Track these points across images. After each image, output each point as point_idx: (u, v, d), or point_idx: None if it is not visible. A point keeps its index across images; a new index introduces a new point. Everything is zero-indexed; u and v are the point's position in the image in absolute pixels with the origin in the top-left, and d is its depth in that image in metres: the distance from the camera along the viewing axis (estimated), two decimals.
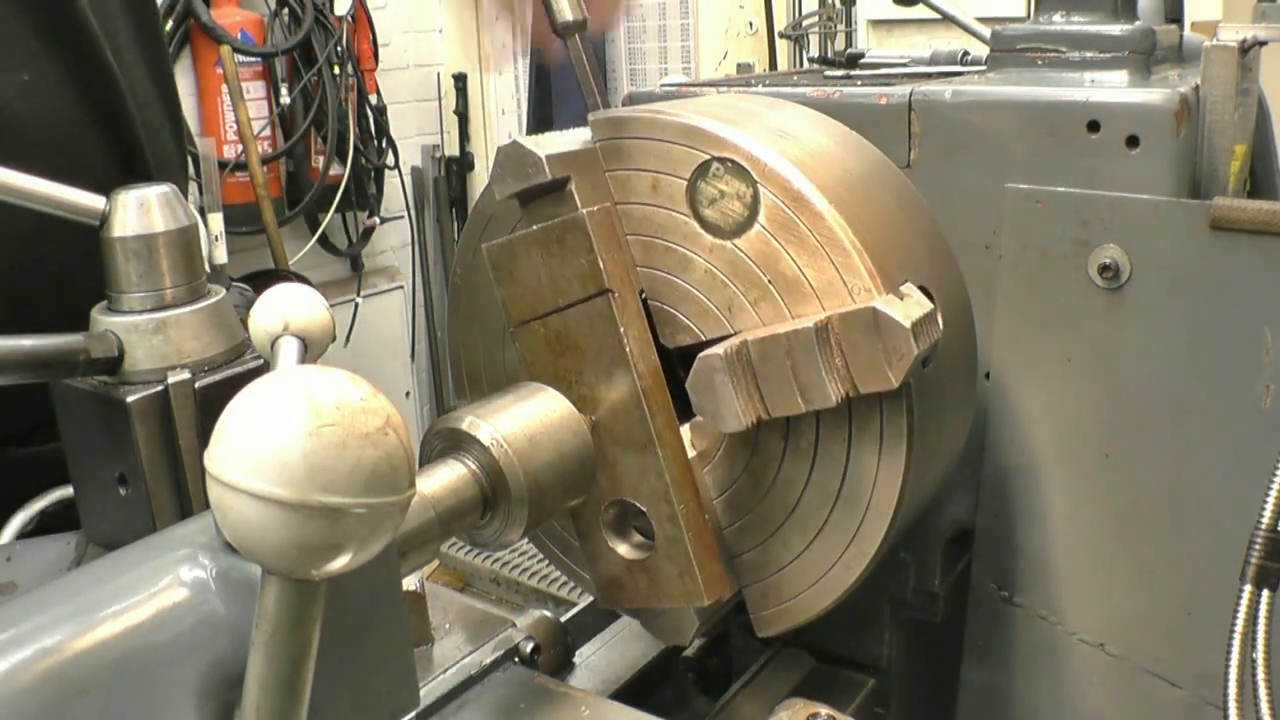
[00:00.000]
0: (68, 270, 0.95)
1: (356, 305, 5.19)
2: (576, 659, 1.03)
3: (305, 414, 0.41)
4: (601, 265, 0.80)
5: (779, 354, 0.75)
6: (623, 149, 0.84)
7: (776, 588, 0.84)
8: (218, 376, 0.71)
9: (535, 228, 0.82)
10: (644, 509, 0.81)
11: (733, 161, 0.79)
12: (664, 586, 0.81)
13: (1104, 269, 0.91)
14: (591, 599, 1.02)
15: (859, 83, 1.13)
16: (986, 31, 1.27)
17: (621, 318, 0.80)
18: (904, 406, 0.75)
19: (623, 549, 0.83)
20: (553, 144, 0.82)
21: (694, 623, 0.83)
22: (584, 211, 0.81)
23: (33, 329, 0.65)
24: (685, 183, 0.81)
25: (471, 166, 5.95)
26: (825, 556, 0.81)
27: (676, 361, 0.85)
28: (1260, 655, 0.78)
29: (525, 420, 0.79)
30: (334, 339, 0.67)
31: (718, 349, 0.76)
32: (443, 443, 0.78)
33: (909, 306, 0.73)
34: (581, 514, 0.84)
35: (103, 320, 0.70)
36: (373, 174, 5.32)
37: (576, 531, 0.85)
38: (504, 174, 0.82)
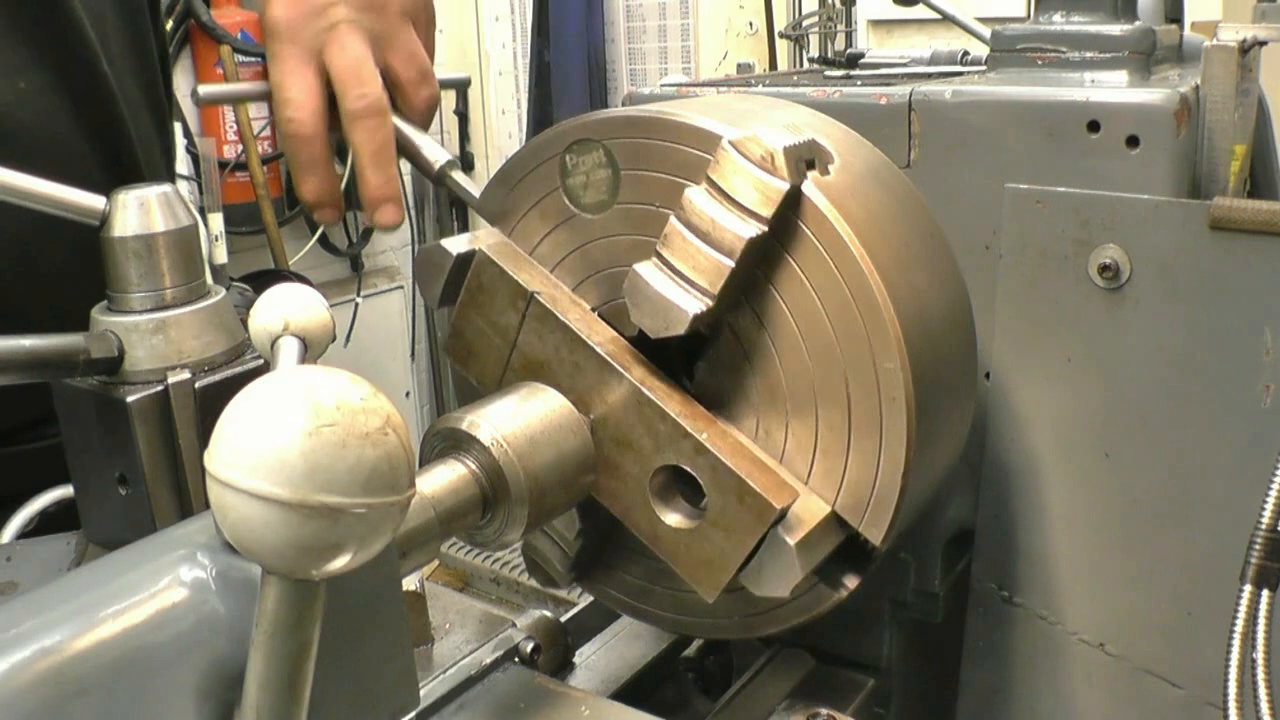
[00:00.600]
0: (57, 273, 0.96)
1: (356, 305, 5.19)
2: (576, 659, 1.03)
3: (305, 414, 0.41)
4: (516, 278, 0.84)
5: (681, 236, 0.76)
6: (507, 210, 0.89)
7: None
8: (218, 376, 0.71)
9: (461, 294, 0.87)
10: (674, 462, 0.78)
11: (575, 143, 0.83)
12: (736, 525, 0.77)
13: (1104, 269, 0.91)
14: (591, 599, 1.03)
15: (859, 83, 1.13)
16: (986, 31, 1.27)
17: (557, 308, 0.83)
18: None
19: (677, 519, 0.80)
20: (460, 241, 0.88)
21: (791, 556, 0.76)
22: (481, 248, 0.86)
23: (22, 331, 0.65)
24: (559, 190, 0.86)
25: (471, 166, 5.95)
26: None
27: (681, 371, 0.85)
28: (1260, 655, 0.78)
29: (525, 420, 0.79)
30: (334, 339, 0.67)
31: (634, 265, 0.78)
32: (443, 443, 0.78)
33: (761, 131, 0.76)
34: (641, 526, 0.82)
35: (103, 320, 0.70)
36: None
37: (657, 552, 0.82)
38: (424, 279, 0.88)
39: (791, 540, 0.76)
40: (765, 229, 0.75)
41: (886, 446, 0.77)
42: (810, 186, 0.76)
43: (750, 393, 0.81)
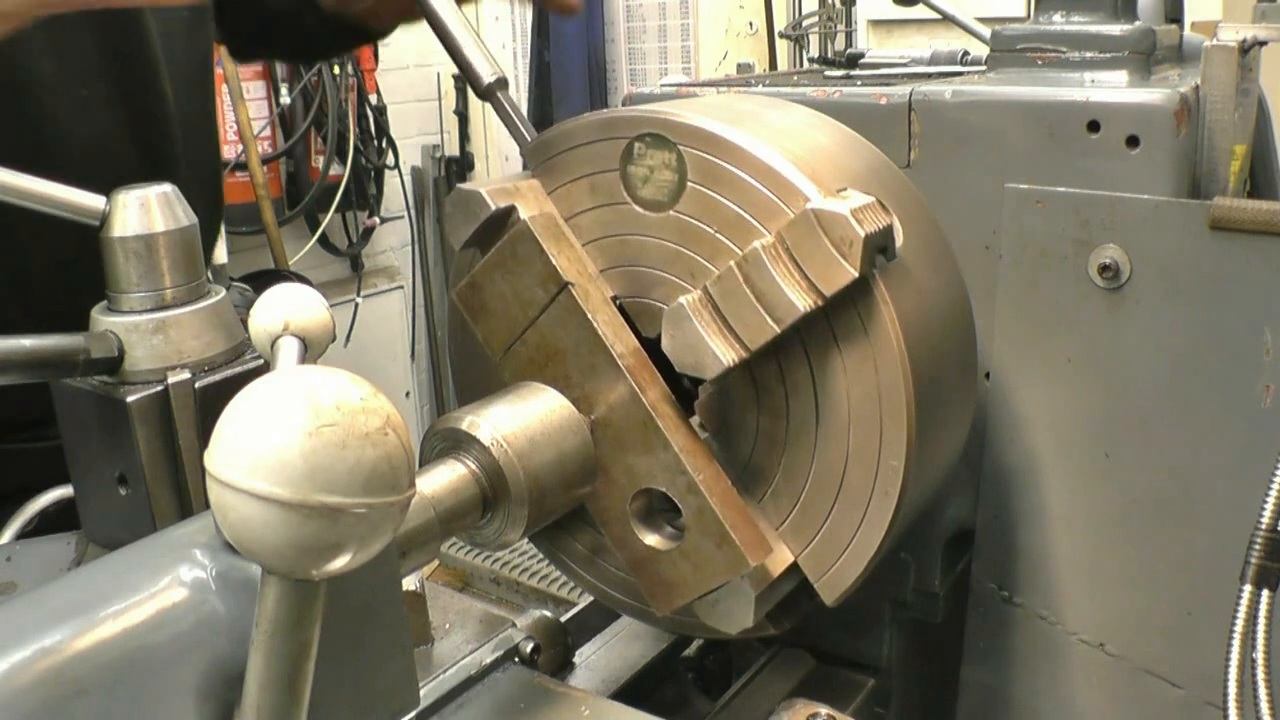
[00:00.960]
0: (33, 272, 0.95)
1: (356, 305, 5.19)
2: (576, 659, 1.03)
3: (305, 414, 0.41)
4: (555, 263, 0.82)
5: (737, 284, 0.75)
6: (555, 166, 0.86)
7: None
8: (218, 376, 0.71)
9: (490, 253, 0.84)
10: (663, 489, 0.79)
11: (650, 135, 0.81)
12: (707, 565, 0.78)
13: (1104, 269, 0.91)
14: (591, 599, 1.03)
15: (859, 83, 1.13)
16: (986, 31, 1.27)
17: (587, 305, 0.81)
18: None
19: (653, 540, 0.81)
20: (492, 182, 0.85)
21: (749, 601, 0.79)
22: (525, 218, 0.83)
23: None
24: (617, 173, 0.83)
25: (471, 166, 5.96)
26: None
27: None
28: (1260, 655, 0.78)
29: (525, 420, 0.79)
30: (334, 339, 0.67)
31: (681, 298, 0.77)
32: (443, 443, 0.78)
33: (848, 200, 0.74)
34: (614, 530, 0.83)
35: (103, 320, 0.70)
36: (373, 174, 5.32)
37: (622, 557, 0.84)
38: (454, 221, 0.85)
39: (754, 591, 0.79)
40: (820, 305, 0.74)
41: (866, 528, 0.79)
42: (878, 283, 0.75)
43: (750, 430, 0.82)
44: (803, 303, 0.73)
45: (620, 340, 0.82)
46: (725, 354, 0.76)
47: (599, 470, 0.82)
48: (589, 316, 0.81)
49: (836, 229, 0.72)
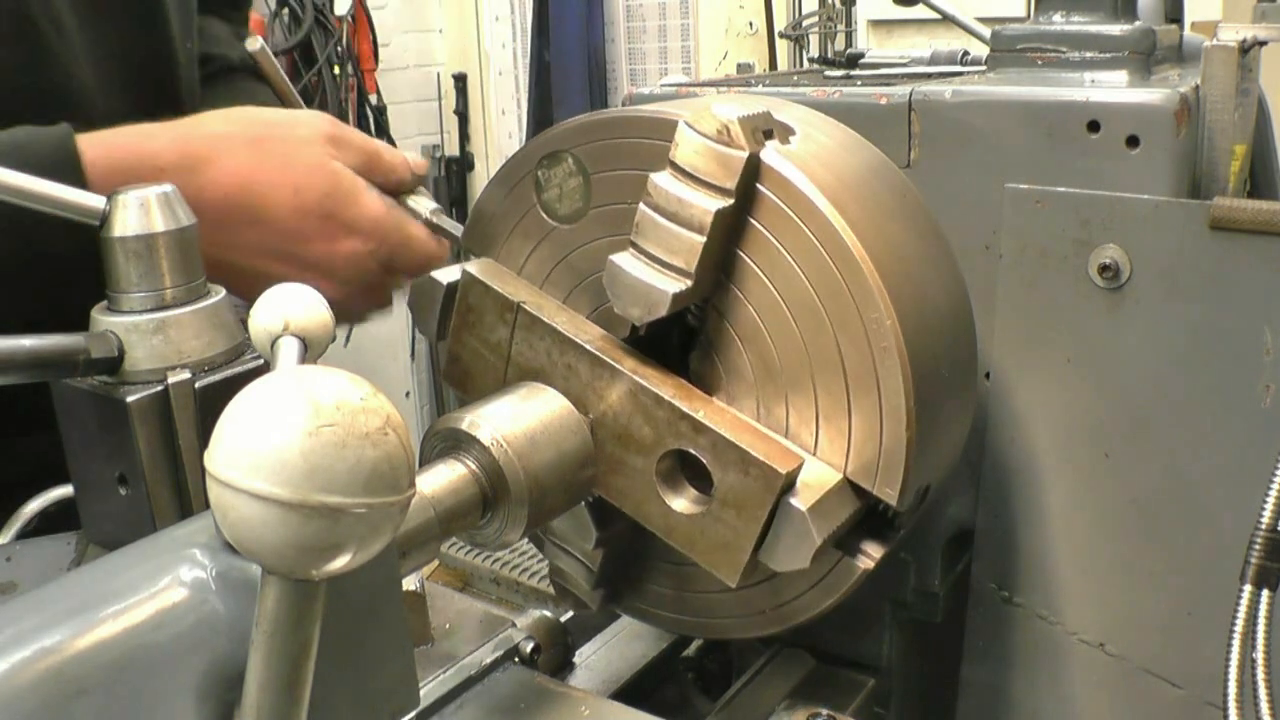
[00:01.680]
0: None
1: None
2: (576, 659, 1.03)
3: (305, 414, 0.41)
4: (503, 292, 0.85)
5: (651, 219, 0.77)
6: (487, 237, 0.91)
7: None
8: (218, 376, 0.71)
9: (453, 320, 0.88)
10: (674, 446, 0.78)
11: (543, 158, 0.85)
12: (745, 500, 0.76)
13: (1104, 269, 0.91)
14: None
15: (859, 83, 1.13)
16: (986, 31, 1.27)
17: (544, 314, 0.83)
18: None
19: (687, 504, 0.79)
20: (450, 271, 0.89)
21: (805, 522, 0.74)
22: (460, 267, 0.87)
23: None
24: (536, 209, 0.88)
25: (471, 166, 5.96)
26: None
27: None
28: (1260, 655, 0.78)
29: (525, 420, 0.79)
30: (334, 339, 0.67)
31: (609, 257, 0.78)
32: (443, 443, 0.78)
33: (718, 104, 0.76)
34: (655, 522, 0.81)
35: (103, 320, 0.70)
36: None
37: (674, 542, 0.81)
38: (420, 313, 0.90)
39: (803, 506, 0.74)
40: (731, 201, 0.75)
41: (886, 398, 0.75)
42: (770, 153, 0.76)
43: (746, 372, 0.81)
44: (714, 203, 0.75)
45: (584, 331, 0.83)
46: (668, 285, 0.76)
47: (615, 467, 0.81)
48: (548, 323, 0.83)
49: (710, 125, 0.75)
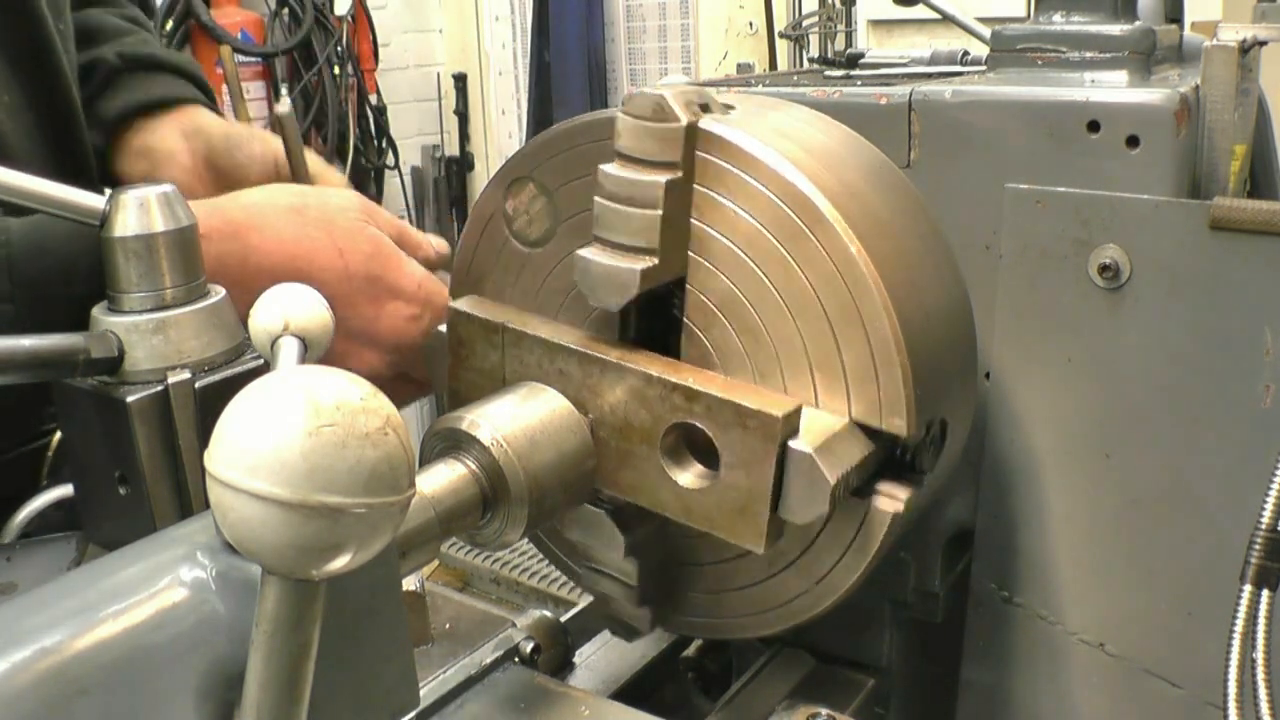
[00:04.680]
0: None
1: None
2: (576, 659, 1.03)
3: (305, 414, 0.42)
4: (487, 318, 0.87)
5: (607, 207, 0.79)
6: (476, 283, 0.93)
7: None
8: (218, 376, 0.71)
9: (449, 360, 0.91)
10: (671, 420, 0.78)
11: (512, 182, 0.88)
12: (750, 454, 0.75)
13: (1104, 269, 0.91)
14: (592, 599, 1.02)
15: (859, 83, 1.13)
16: (986, 31, 1.27)
17: (528, 328, 0.85)
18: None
19: (695, 478, 0.79)
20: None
21: (813, 467, 0.73)
22: (453, 305, 0.90)
23: None
24: (511, 242, 0.91)
25: (471, 166, 5.96)
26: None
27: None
28: (1260, 655, 0.78)
29: (525, 420, 0.79)
30: (334, 339, 0.67)
31: (576, 252, 0.80)
32: (443, 443, 0.78)
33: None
34: (672, 507, 0.80)
35: (103, 320, 0.70)
36: (373, 174, 5.32)
37: (695, 524, 0.79)
38: (434, 366, 0.94)
39: (808, 448, 0.73)
40: (679, 173, 0.77)
41: (869, 323, 0.75)
42: (707, 121, 0.78)
43: (733, 344, 0.81)
44: (662, 177, 0.77)
45: (567, 335, 0.84)
46: (635, 264, 0.77)
47: (622, 462, 0.81)
48: (533, 334, 0.85)
49: (645, 107, 0.77)
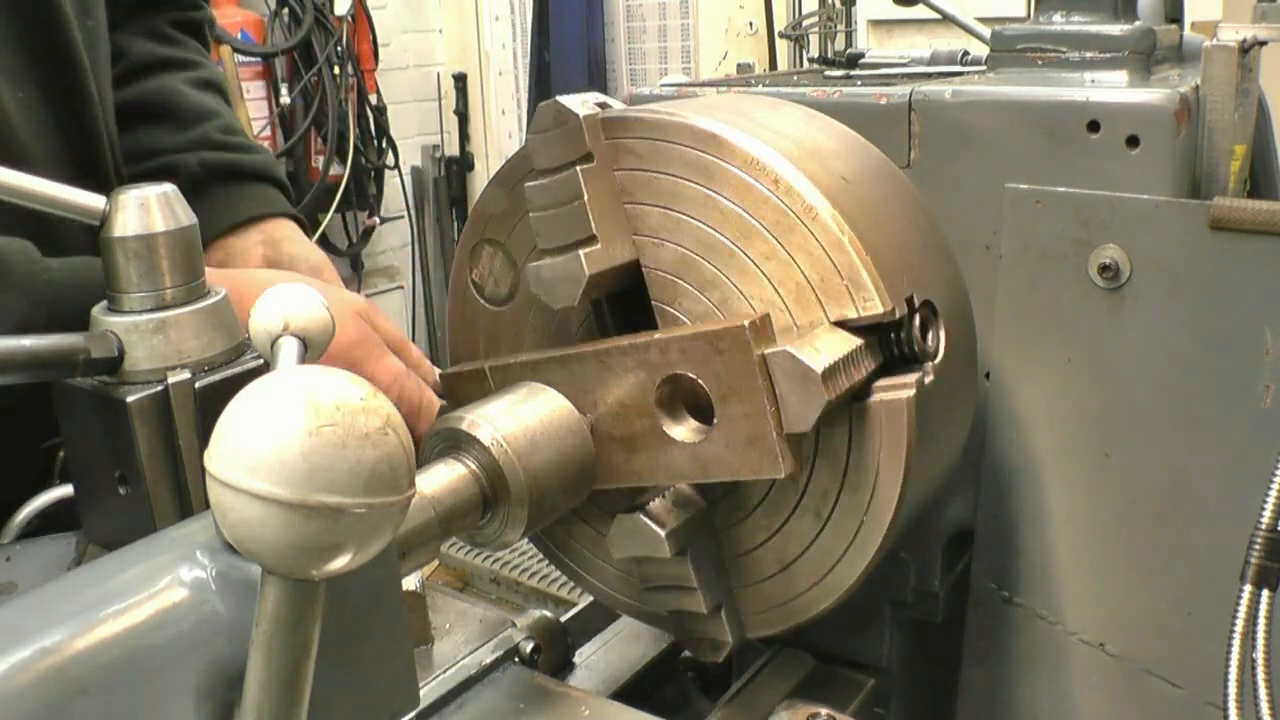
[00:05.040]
0: None
1: None
2: (576, 659, 1.03)
3: (305, 414, 0.41)
4: (472, 367, 0.91)
5: (545, 218, 0.84)
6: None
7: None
8: (218, 376, 0.71)
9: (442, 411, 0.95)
10: (660, 376, 0.78)
11: (477, 244, 0.92)
12: (738, 383, 0.74)
13: (1104, 269, 0.91)
14: (592, 599, 1.03)
15: (859, 83, 1.13)
16: (986, 31, 1.27)
17: (511, 360, 0.88)
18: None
19: (687, 432, 0.79)
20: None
21: (794, 358, 0.72)
22: (439, 373, 0.96)
23: None
24: (489, 310, 0.95)
25: (471, 166, 5.95)
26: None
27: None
28: (1260, 655, 0.78)
29: (525, 420, 0.79)
30: (334, 339, 0.67)
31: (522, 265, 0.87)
32: (443, 443, 0.78)
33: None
34: (684, 471, 0.81)
35: (103, 320, 0.70)
36: (373, 174, 5.32)
37: (718, 473, 0.79)
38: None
39: (786, 347, 0.73)
40: (592, 163, 0.81)
41: (804, 218, 0.76)
42: (605, 111, 0.82)
43: (703, 303, 0.81)
44: (576, 168, 0.80)
45: (544, 350, 0.88)
46: (579, 251, 0.80)
47: (631, 447, 0.81)
48: (514, 360, 0.88)
49: (546, 117, 0.82)
